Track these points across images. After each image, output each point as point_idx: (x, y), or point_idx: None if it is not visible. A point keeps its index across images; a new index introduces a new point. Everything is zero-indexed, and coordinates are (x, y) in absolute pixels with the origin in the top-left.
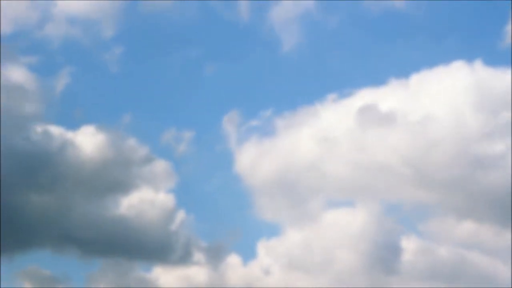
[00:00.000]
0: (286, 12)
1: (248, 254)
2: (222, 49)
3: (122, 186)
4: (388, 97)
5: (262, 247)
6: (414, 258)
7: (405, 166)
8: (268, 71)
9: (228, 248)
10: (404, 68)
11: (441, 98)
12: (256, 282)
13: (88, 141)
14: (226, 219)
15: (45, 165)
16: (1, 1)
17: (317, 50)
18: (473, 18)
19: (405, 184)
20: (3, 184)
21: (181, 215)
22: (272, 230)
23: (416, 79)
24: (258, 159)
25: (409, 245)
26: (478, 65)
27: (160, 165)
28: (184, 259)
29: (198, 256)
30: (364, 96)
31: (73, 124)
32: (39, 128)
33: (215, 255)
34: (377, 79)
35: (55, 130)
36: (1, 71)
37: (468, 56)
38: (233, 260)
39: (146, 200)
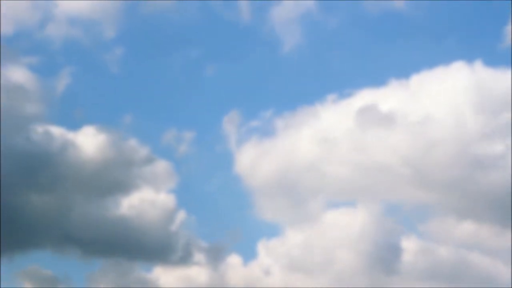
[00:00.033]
0: (287, 13)
1: (249, 255)
2: (223, 50)
3: (122, 187)
4: (388, 97)
5: (263, 248)
6: (414, 258)
7: (405, 166)
8: (268, 72)
9: (229, 249)
10: (404, 69)
11: (441, 99)
12: (256, 282)
13: (89, 141)
14: (227, 220)
15: (46, 166)
16: (3, 2)
17: (317, 50)
18: (473, 18)
19: (405, 185)
20: (4, 185)
21: (181, 215)
22: (272, 231)
23: (416, 79)
24: (258, 159)
25: (409, 245)
26: (478, 65)
27: (161, 166)
28: (185, 259)
29: (198, 256)
30: (364, 97)
31: (74, 125)
32: (40, 129)
33: (216, 256)
34: (377, 80)
35: (56, 130)
36: (3, 71)
37: (468, 56)
38: (234, 260)
39: (147, 200)
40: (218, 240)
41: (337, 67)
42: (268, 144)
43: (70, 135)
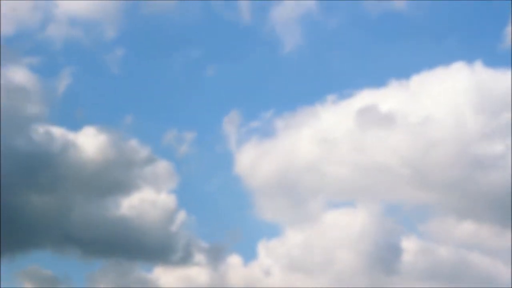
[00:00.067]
0: (287, 13)
1: (249, 255)
2: (223, 50)
3: (123, 187)
4: (388, 98)
5: (263, 248)
6: (414, 258)
7: (405, 166)
8: (268, 72)
9: (229, 249)
10: (404, 69)
11: (441, 99)
12: (256, 282)
13: (89, 141)
14: (227, 220)
15: (47, 166)
16: (3, 2)
17: (318, 50)
18: (473, 19)
19: (405, 185)
20: (4, 185)
21: (181, 215)
22: (273, 231)
23: (416, 80)
24: (258, 159)
25: (409, 246)
26: (478, 66)
27: (161, 166)
28: (185, 259)
29: (198, 256)
30: (365, 97)
31: (74, 125)
32: (40, 129)
33: (216, 256)
34: (377, 80)
35: (57, 131)
36: (4, 72)
37: (468, 57)
38: (234, 260)
39: (147, 201)
40: (218, 240)
41: (337, 68)
42: (268, 145)
43: (71, 136)
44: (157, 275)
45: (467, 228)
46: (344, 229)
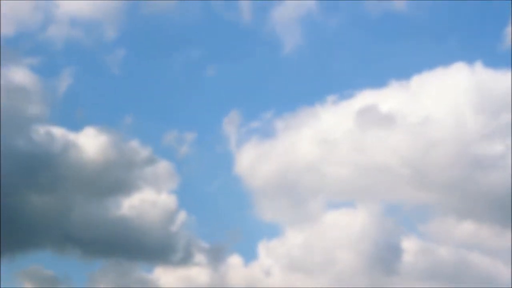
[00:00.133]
0: (287, 13)
1: (249, 255)
2: (223, 50)
3: (123, 187)
4: (388, 98)
5: (263, 248)
6: (415, 258)
7: (405, 166)
8: (268, 72)
9: (229, 249)
10: (404, 70)
11: (442, 100)
12: (257, 282)
13: (90, 142)
14: (227, 220)
15: (47, 166)
16: (4, 2)
17: (318, 51)
18: (473, 19)
19: (405, 185)
20: (5, 185)
21: (182, 216)
22: (273, 231)
23: (416, 80)
24: (258, 160)
25: (410, 246)
26: (479, 66)
27: (162, 166)
28: (185, 259)
29: (199, 256)
30: (365, 98)
31: (75, 125)
32: (41, 129)
33: (216, 256)
34: (377, 81)
35: (57, 131)
36: (4, 72)
37: (469, 57)
38: (234, 261)
39: (148, 201)
40: (218, 241)
41: (337, 68)
42: (268, 145)
43: (71, 136)
44: (158, 275)
45: (467, 228)
46: (344, 229)
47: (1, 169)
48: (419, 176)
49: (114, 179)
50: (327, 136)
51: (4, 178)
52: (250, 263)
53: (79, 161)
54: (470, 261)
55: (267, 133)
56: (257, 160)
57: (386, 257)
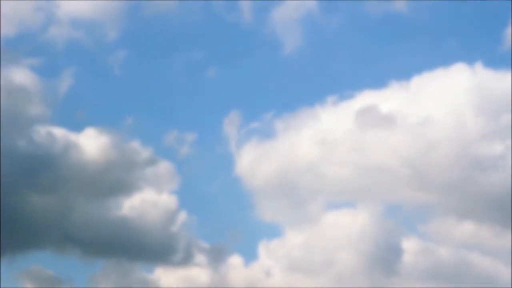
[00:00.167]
0: (288, 14)
1: (250, 255)
2: (224, 51)
3: (124, 188)
4: (388, 99)
5: (263, 248)
6: (415, 259)
7: (405, 167)
8: (269, 73)
9: (230, 249)
10: (404, 70)
11: (442, 100)
12: (257, 283)
13: (91, 143)
14: (228, 220)
15: (48, 167)
16: (4, 2)
17: (318, 52)
18: (473, 20)
19: (405, 185)
20: (6, 185)
21: (182, 216)
22: (273, 231)
23: (416, 81)
24: (258, 160)
25: (410, 246)
26: (479, 67)
27: (163, 167)
28: (186, 260)
29: (199, 257)
30: (365, 98)
31: (76, 126)
32: (42, 130)
33: (217, 256)
34: (378, 81)
35: (58, 131)
36: (5, 72)
37: (469, 58)
38: (235, 261)
39: (148, 201)
40: (219, 241)
41: (337, 69)
42: (268, 145)
43: (72, 137)
44: (158, 275)
45: (467, 229)
46: (344, 230)
47: (1, 169)
48: (419, 177)
49: (114, 179)
50: (327, 137)
51: (5, 178)
52: (251, 264)
53: (80, 162)
54: (470, 261)
55: (267, 134)
56: (257, 161)
57: (386, 257)
